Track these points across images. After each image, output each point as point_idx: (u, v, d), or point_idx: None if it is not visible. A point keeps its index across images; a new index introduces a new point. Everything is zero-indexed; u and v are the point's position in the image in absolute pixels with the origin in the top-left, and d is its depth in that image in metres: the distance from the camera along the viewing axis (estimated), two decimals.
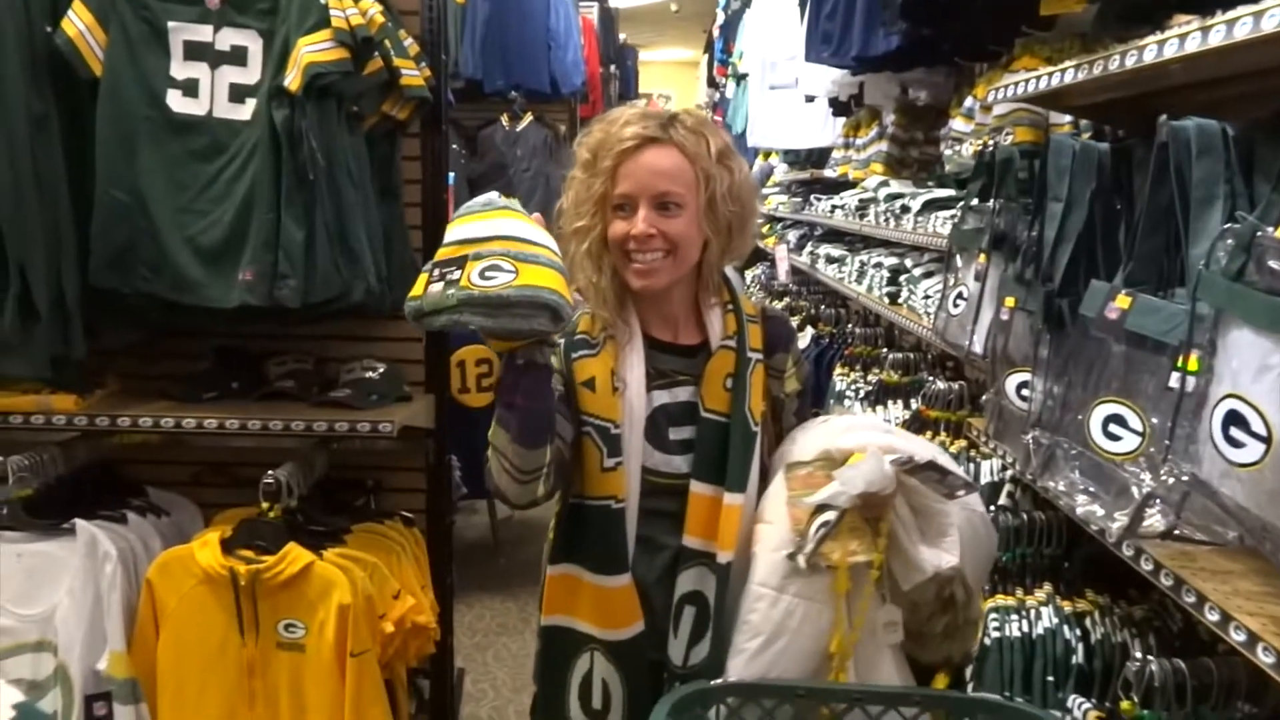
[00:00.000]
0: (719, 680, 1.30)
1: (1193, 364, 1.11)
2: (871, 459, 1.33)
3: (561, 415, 1.46)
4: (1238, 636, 1.09)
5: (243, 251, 1.98)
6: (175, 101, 2.00)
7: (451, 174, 3.12)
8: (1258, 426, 0.98)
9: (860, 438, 1.41)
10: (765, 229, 5.77)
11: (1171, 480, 1.16)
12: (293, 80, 1.94)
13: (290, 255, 1.96)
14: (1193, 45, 1.18)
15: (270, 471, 2.01)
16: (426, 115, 2.34)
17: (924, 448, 1.44)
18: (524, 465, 1.37)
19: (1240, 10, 1.08)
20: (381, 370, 2.26)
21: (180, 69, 2.00)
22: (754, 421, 1.51)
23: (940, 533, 1.36)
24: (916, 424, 2.36)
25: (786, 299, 4.82)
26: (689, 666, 1.49)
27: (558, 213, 1.56)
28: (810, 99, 4.34)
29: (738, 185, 1.50)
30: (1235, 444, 1.00)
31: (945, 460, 1.41)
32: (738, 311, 1.57)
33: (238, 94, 2.00)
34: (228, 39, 2.00)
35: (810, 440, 1.48)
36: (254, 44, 2.00)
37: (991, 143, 2.14)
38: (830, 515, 1.33)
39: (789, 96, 4.75)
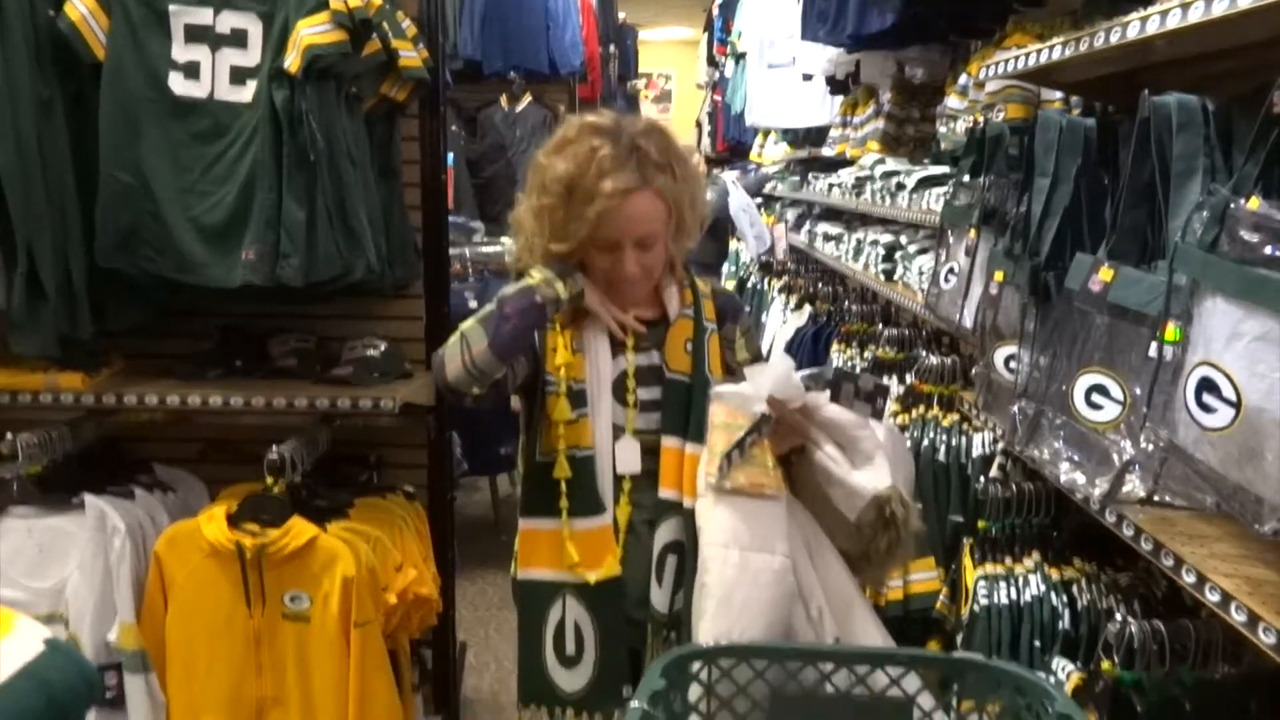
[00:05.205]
0: (710, 643, 1.34)
1: (1172, 334, 1.14)
2: (779, 363, 1.44)
3: (524, 355, 1.62)
4: (1213, 597, 1.13)
5: (245, 231, 2.01)
6: (177, 84, 2.02)
7: (450, 154, 3.15)
8: (1228, 392, 1.01)
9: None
10: (763, 208, 5.78)
11: (1150, 447, 1.19)
12: (292, 62, 1.97)
13: (292, 235, 1.99)
14: (1174, 21, 1.21)
15: (274, 447, 2.05)
16: (425, 96, 2.36)
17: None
18: (482, 366, 1.52)
19: None
20: (383, 348, 2.30)
21: (181, 52, 2.02)
22: (714, 380, 1.65)
23: (867, 457, 1.45)
24: (911, 398, 2.39)
25: (785, 277, 4.84)
26: (673, 613, 1.58)
27: (518, 200, 1.68)
28: (807, 77, 4.35)
29: (695, 191, 1.67)
30: (1207, 409, 1.03)
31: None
32: (694, 288, 1.73)
33: (238, 76, 2.02)
34: (228, 21, 2.02)
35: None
36: (254, 26, 2.02)
37: (983, 119, 2.17)
38: (742, 435, 1.42)
39: (787, 75, 4.75)
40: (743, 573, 1.40)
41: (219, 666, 2.01)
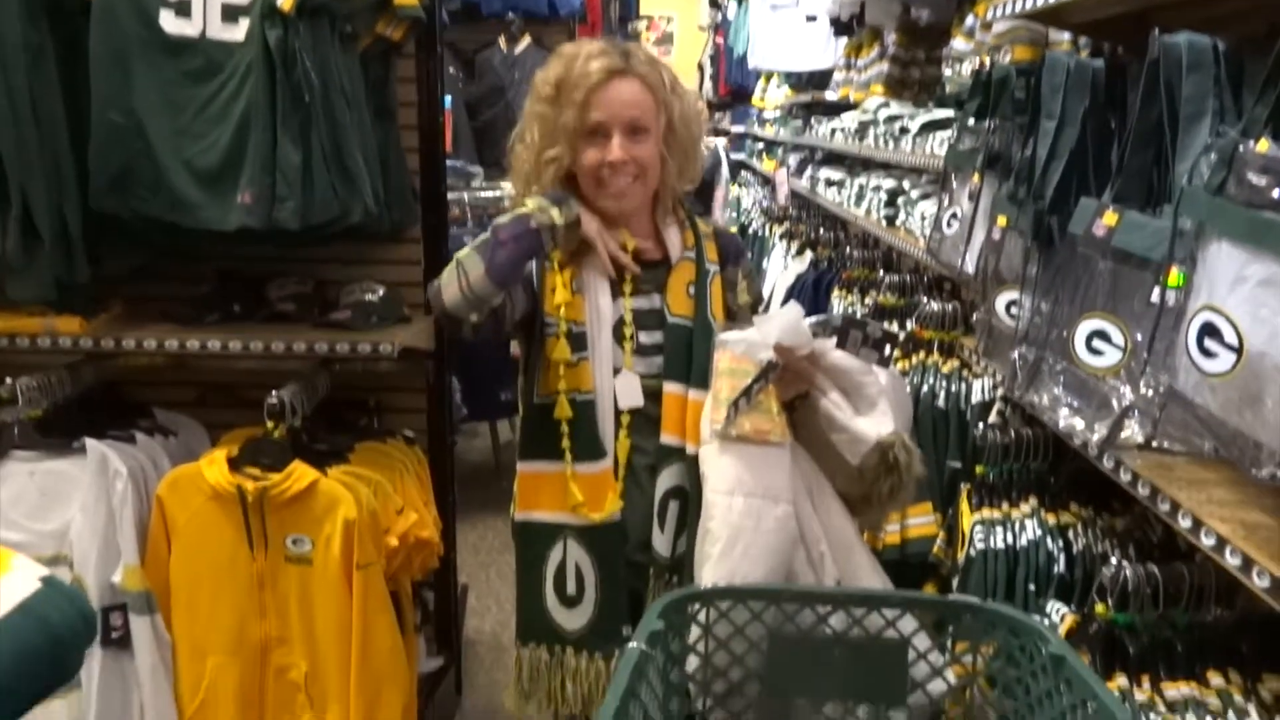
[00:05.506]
0: (709, 584, 1.35)
1: (1175, 278, 1.13)
2: (788, 310, 1.44)
3: (522, 286, 1.61)
4: (1208, 541, 1.13)
5: (240, 173, 1.98)
6: (168, 22, 1.98)
7: (448, 97, 3.10)
8: (1230, 337, 1.00)
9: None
10: (765, 153, 5.72)
11: (1150, 393, 1.19)
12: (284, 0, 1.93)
13: (288, 177, 1.97)
14: None
15: (274, 391, 2.05)
16: (421, 36, 2.32)
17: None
18: (479, 293, 1.50)
19: None
20: (381, 292, 2.29)
21: None
22: (716, 324, 1.64)
23: (870, 403, 1.47)
24: (911, 344, 2.38)
25: (786, 223, 4.81)
26: (675, 557, 1.59)
27: (514, 139, 1.68)
28: (811, 18, 4.27)
29: (689, 112, 1.67)
30: (1209, 354, 1.03)
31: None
32: (694, 228, 1.72)
33: (230, 14, 1.98)
34: None
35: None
36: None
37: (989, 61, 2.13)
38: (749, 383, 1.42)
39: (790, 16, 4.67)
40: (746, 519, 1.41)
41: (223, 608, 2.04)
